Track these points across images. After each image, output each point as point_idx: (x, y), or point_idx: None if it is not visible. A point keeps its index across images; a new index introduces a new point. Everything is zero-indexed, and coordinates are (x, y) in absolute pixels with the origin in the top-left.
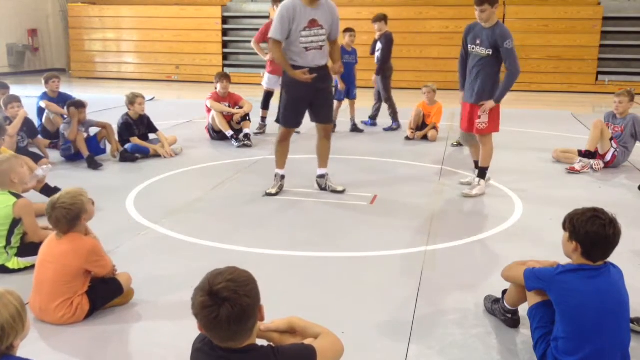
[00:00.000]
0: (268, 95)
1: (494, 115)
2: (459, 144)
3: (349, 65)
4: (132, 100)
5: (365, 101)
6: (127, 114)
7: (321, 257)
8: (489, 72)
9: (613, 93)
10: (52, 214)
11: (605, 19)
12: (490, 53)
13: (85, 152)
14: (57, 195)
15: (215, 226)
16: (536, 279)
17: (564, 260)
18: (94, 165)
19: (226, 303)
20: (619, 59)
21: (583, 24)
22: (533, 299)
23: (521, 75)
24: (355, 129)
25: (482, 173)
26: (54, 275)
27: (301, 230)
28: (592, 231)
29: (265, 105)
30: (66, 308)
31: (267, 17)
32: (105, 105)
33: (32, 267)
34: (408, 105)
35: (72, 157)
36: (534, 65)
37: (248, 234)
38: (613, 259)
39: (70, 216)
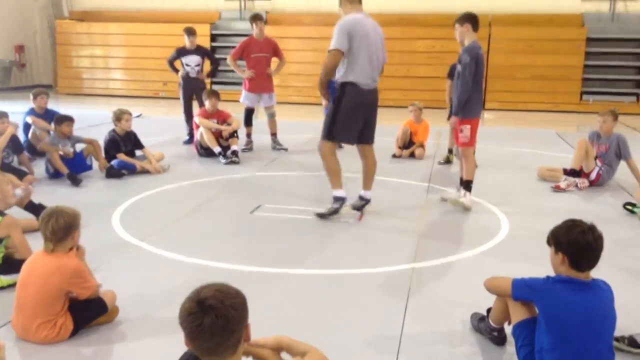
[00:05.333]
0: (249, 112)
1: (474, 130)
2: (446, 162)
3: None
4: (118, 116)
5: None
6: (113, 130)
7: (308, 274)
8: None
9: (597, 112)
10: (50, 222)
11: (589, 39)
12: (460, 70)
13: (63, 170)
14: (54, 206)
15: (201, 243)
16: (526, 287)
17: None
18: (74, 181)
19: (211, 312)
20: (603, 79)
21: (567, 44)
22: (517, 316)
23: (507, 94)
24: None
25: (468, 186)
26: (36, 296)
27: (288, 247)
28: (573, 239)
29: (248, 122)
30: (49, 329)
31: None
32: (92, 121)
33: (15, 284)
34: (395, 123)
35: (55, 174)
36: (519, 84)
37: (234, 251)
38: (599, 275)
39: (67, 224)
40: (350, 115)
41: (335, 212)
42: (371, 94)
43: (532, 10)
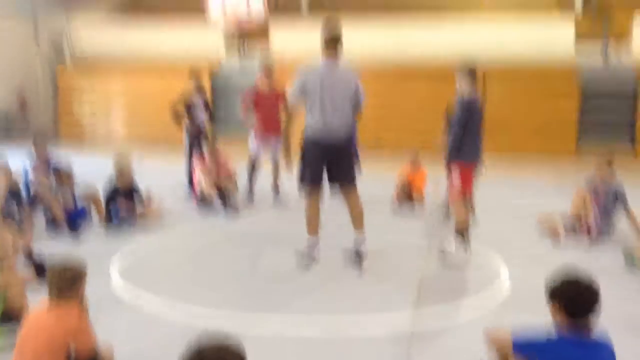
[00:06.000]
0: (254, 159)
1: (466, 177)
2: (445, 210)
3: None
4: (120, 164)
5: None
6: (114, 179)
7: (308, 321)
8: None
9: (594, 161)
10: (57, 274)
11: (583, 89)
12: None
13: (63, 220)
14: (62, 258)
15: (200, 293)
16: (526, 342)
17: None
18: (73, 231)
19: None
20: (599, 128)
21: (562, 94)
22: None
23: (502, 141)
24: None
25: (459, 236)
26: (36, 351)
27: (286, 295)
28: (569, 292)
29: (252, 169)
30: None
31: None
32: (92, 169)
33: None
34: (391, 170)
35: (54, 224)
36: (514, 131)
37: (233, 300)
38: (600, 328)
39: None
40: (310, 160)
41: (305, 256)
42: (330, 137)
43: (527, 61)
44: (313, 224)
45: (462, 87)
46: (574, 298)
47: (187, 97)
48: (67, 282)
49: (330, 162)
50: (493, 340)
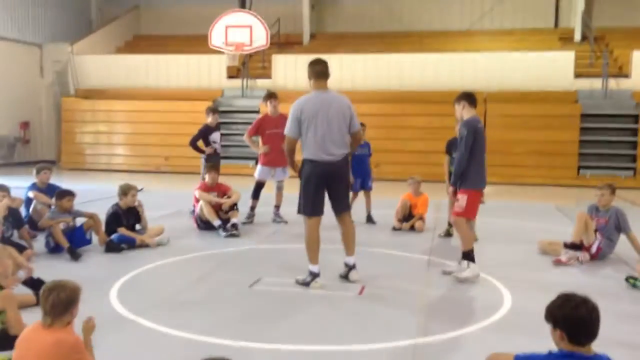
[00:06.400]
0: (259, 185)
1: (472, 201)
2: (447, 235)
3: (362, 157)
4: (125, 191)
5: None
6: (117, 204)
7: (308, 351)
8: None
9: (595, 186)
10: (51, 296)
11: (583, 115)
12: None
13: (64, 244)
14: (56, 280)
15: (200, 318)
16: (527, 358)
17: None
18: (74, 256)
19: None
20: (599, 154)
21: (562, 120)
22: None
23: (504, 168)
24: (369, 220)
25: (468, 256)
26: None
27: (287, 322)
28: (567, 314)
29: (256, 195)
30: None
31: (258, 112)
32: (93, 196)
33: None
34: (393, 197)
35: (55, 249)
36: (516, 159)
37: (233, 326)
38: (602, 349)
39: (68, 299)
40: (309, 189)
41: (305, 284)
42: (329, 166)
43: (527, 88)
44: (313, 251)
45: (462, 114)
46: (578, 328)
47: (205, 131)
48: (61, 304)
49: (329, 191)
50: None
